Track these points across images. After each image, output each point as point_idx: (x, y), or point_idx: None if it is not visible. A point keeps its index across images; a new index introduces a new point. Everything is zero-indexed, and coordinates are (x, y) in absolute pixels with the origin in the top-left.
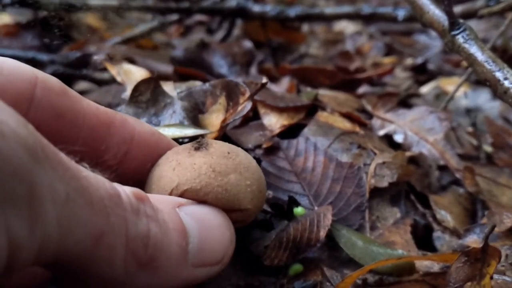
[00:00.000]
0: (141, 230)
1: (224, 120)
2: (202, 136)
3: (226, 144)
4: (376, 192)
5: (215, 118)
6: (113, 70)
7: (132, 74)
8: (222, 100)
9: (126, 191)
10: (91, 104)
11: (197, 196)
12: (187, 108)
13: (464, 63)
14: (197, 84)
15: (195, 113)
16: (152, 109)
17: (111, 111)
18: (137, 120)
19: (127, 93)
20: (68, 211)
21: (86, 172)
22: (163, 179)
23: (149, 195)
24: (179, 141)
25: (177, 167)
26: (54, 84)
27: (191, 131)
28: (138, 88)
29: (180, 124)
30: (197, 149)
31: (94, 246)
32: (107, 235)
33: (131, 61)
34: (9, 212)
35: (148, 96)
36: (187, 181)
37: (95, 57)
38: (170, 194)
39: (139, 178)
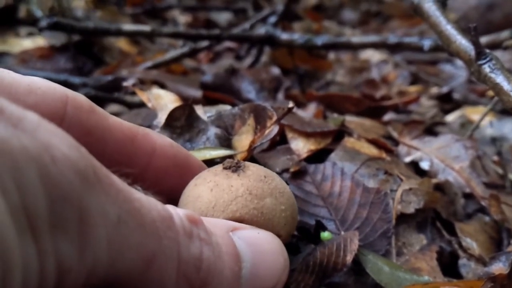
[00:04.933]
0: (194, 253)
1: (252, 142)
2: (233, 157)
3: (262, 167)
4: (402, 218)
5: (244, 139)
6: (144, 96)
7: (162, 99)
8: (250, 121)
9: (179, 213)
10: (116, 119)
11: (233, 218)
12: (221, 136)
13: (490, 93)
14: (226, 108)
15: (228, 142)
16: (187, 135)
17: (134, 125)
18: (157, 133)
19: (158, 120)
20: (119, 234)
21: (138, 194)
22: (200, 199)
23: (203, 218)
24: (215, 161)
25: (214, 188)
26: (83, 102)
27: (222, 152)
28: (174, 113)
29: (211, 147)
30: (234, 171)
31: (145, 268)
32: (159, 258)
33: (162, 85)
34: (59, 236)
35: (183, 122)
36: (224, 203)
37: (125, 83)
38: (207, 214)
39: (159, 188)
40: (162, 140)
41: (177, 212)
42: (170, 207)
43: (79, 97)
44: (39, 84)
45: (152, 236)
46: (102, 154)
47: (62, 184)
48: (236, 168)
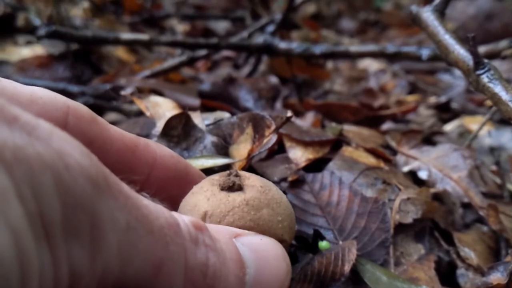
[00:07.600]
0: (200, 259)
1: (251, 151)
2: (231, 166)
3: (259, 177)
4: (400, 228)
5: (242, 148)
6: (142, 105)
7: (160, 107)
8: (249, 130)
9: (185, 220)
10: (117, 130)
11: None
12: (218, 144)
13: (488, 102)
14: (224, 115)
15: (225, 150)
16: (184, 143)
17: (135, 136)
18: (157, 144)
19: (157, 129)
20: (128, 240)
21: (146, 201)
22: (197, 208)
23: (207, 224)
24: (214, 170)
25: (211, 198)
26: (84, 112)
27: (219, 161)
28: (171, 122)
29: (209, 155)
30: (231, 190)
31: (154, 274)
32: (167, 264)
33: (160, 94)
34: (71, 243)
35: (179, 131)
36: (220, 213)
37: (123, 92)
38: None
39: (160, 198)
40: (162, 150)
41: (182, 219)
42: (176, 214)
43: (80, 107)
44: (40, 94)
45: (160, 243)
46: (104, 164)
47: (76, 191)
48: (233, 186)
